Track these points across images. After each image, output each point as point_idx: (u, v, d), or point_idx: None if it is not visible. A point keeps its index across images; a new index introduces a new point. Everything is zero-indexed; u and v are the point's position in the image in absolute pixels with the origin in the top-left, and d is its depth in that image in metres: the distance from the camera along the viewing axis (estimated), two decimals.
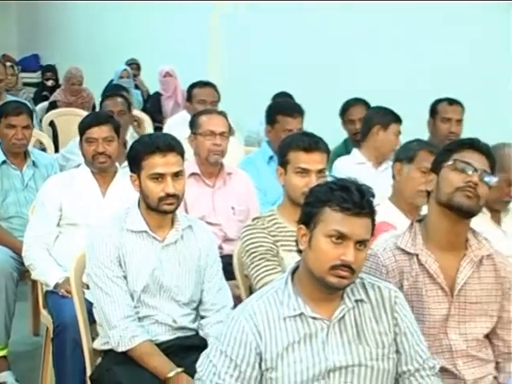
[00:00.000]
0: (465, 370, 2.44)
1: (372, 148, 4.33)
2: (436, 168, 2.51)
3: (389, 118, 4.32)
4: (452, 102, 4.56)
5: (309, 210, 2.16)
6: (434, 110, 4.59)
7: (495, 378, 2.49)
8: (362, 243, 2.11)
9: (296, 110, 4.32)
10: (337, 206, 2.09)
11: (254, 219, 2.99)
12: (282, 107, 4.37)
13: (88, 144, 3.52)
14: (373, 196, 2.14)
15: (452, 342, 2.45)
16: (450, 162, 2.46)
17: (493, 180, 2.46)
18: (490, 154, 2.49)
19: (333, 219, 2.09)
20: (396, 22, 5.92)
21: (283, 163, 2.97)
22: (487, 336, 2.52)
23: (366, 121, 4.44)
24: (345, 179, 2.18)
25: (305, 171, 2.91)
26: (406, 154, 3.25)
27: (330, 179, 2.35)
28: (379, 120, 4.31)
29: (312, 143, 2.93)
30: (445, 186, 2.45)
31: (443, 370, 2.36)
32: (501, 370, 2.51)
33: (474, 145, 2.48)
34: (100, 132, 3.52)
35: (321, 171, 2.93)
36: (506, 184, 3.16)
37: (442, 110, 4.56)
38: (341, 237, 2.09)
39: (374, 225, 2.14)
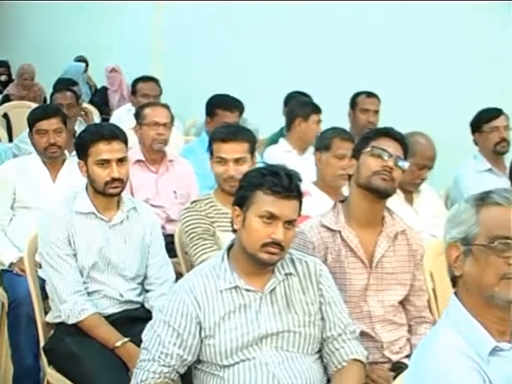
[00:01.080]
0: (382, 334, 2.47)
1: (296, 138, 4.33)
2: (356, 154, 2.53)
3: (308, 109, 4.32)
4: (370, 94, 4.60)
5: (243, 193, 2.15)
6: (353, 102, 4.63)
7: (408, 339, 2.53)
8: (290, 223, 2.11)
9: (234, 106, 4.27)
10: (268, 190, 2.09)
11: (192, 202, 2.96)
12: (222, 102, 4.32)
13: (39, 136, 3.44)
14: (300, 180, 2.15)
15: (371, 308, 2.48)
16: (368, 149, 2.48)
17: (405, 164, 2.49)
18: (404, 141, 2.51)
19: (264, 201, 2.09)
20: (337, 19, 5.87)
21: (211, 154, 2.93)
22: (401, 302, 2.56)
23: (288, 114, 4.43)
24: (275, 165, 2.19)
25: (223, 160, 2.85)
26: (322, 143, 3.27)
27: (260, 165, 2.34)
28: (300, 113, 4.31)
29: (229, 134, 2.87)
30: (364, 170, 2.46)
31: (363, 333, 2.38)
32: (413, 333, 2.55)
33: (389, 133, 2.51)
34: (49, 124, 3.44)
35: (238, 160, 2.84)
36: (416, 168, 3.22)
37: (360, 102, 4.60)
38: (271, 217, 2.08)
39: (301, 205, 2.15)
